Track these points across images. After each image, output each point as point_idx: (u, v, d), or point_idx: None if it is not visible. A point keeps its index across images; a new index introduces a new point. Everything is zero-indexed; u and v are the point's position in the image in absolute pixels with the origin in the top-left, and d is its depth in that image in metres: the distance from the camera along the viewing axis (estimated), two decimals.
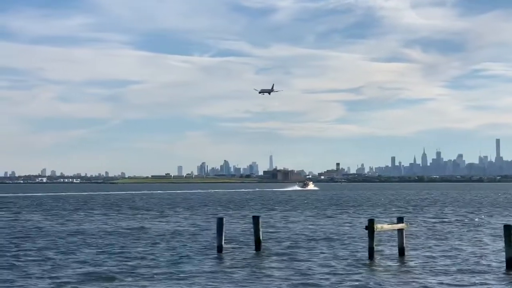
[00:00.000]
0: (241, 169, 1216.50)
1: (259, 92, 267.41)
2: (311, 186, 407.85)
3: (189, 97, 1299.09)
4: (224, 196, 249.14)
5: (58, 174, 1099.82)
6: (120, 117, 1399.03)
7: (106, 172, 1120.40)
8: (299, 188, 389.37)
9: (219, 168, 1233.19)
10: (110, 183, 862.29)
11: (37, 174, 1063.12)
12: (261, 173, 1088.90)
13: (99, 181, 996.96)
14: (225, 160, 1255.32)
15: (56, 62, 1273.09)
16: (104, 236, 74.49)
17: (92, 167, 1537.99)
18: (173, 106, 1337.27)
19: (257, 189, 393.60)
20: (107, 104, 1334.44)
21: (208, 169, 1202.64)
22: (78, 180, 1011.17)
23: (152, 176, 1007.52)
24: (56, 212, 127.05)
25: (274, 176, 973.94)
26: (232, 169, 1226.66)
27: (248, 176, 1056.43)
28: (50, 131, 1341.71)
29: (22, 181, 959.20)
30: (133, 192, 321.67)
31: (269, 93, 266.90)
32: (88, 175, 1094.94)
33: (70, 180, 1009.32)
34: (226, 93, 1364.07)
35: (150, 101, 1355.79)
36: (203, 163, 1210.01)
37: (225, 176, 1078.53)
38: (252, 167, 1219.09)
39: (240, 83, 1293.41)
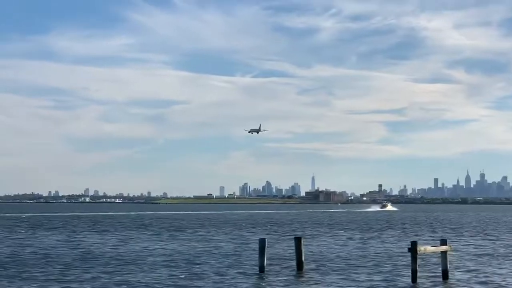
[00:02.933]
0: (283, 190, 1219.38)
1: (249, 132, 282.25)
2: (389, 207, 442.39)
3: (232, 117, 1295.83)
4: (294, 217, 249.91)
5: (100, 193, 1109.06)
6: (163, 137, 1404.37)
7: (149, 192, 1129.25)
8: (379, 209, 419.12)
9: (261, 189, 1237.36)
10: (152, 203, 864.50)
11: (80, 193, 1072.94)
12: (303, 193, 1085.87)
13: (141, 201, 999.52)
14: (267, 181, 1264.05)
15: (99, 82, 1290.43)
16: (156, 255, 75.05)
17: (134, 186, 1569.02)
18: (216, 126, 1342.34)
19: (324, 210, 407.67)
20: (150, 124, 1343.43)
21: (250, 190, 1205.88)
22: (120, 200, 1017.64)
23: (194, 196, 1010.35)
24: (116, 232, 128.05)
25: (316, 197, 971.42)
26: (274, 190, 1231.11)
27: (290, 197, 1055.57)
28: (94, 151, 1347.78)
29: (65, 201, 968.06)
30: (177, 212, 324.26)
31: (257, 132, 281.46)
32: (131, 195, 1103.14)
33: (113, 200, 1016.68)
34: (269, 113, 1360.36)
35: (192, 121, 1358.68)
36: (245, 183, 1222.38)
37: (267, 196, 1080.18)
38: (294, 187, 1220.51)
39: (283, 103, 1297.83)
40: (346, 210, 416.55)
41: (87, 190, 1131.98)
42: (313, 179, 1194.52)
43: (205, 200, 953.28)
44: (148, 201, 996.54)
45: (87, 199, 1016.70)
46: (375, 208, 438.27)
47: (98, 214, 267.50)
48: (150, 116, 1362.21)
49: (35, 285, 50.05)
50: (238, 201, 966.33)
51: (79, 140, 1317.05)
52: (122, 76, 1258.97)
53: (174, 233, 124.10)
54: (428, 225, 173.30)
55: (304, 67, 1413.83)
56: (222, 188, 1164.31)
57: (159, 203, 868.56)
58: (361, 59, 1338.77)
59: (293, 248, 60.73)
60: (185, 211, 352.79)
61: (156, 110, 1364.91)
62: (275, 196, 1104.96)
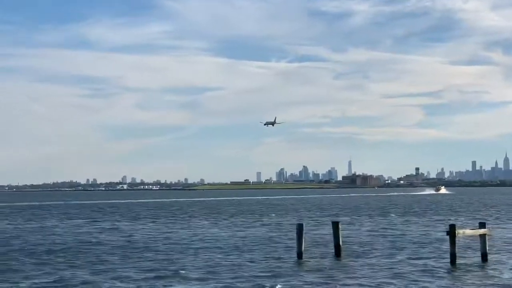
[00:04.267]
0: (320, 175, 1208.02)
1: (264, 124, 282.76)
2: (443, 190, 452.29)
3: (267, 103, 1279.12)
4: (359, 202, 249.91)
5: (138, 181, 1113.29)
6: (198, 123, 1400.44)
7: (186, 179, 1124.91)
8: (434, 192, 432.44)
9: (298, 174, 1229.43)
10: (189, 189, 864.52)
11: (118, 181, 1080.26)
12: (340, 178, 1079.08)
13: (178, 187, 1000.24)
14: (303, 166, 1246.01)
15: (134, 70, 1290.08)
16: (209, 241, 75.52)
17: (171, 173, 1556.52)
18: (251, 112, 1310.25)
19: (380, 194, 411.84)
20: (184, 111, 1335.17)
21: (287, 175, 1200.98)
22: (158, 187, 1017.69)
23: (231, 182, 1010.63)
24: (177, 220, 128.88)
25: (353, 181, 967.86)
26: (310, 175, 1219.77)
27: (327, 181, 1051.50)
28: (129, 138, 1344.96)
29: (103, 188, 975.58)
30: (220, 198, 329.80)
31: (273, 124, 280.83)
32: (168, 181, 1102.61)
33: (150, 187, 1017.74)
34: (304, 98, 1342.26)
35: (227, 107, 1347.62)
36: (282, 169, 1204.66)
37: (304, 181, 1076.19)
38: (331, 172, 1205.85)
39: (318, 88, 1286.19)
40: (400, 194, 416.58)
41: (124, 177, 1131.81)
42: (349, 163, 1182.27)
43: (242, 186, 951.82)
44: (185, 187, 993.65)
45: (125, 187, 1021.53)
46: (430, 191, 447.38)
47: (165, 201, 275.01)
48: (184, 103, 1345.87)
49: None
50: (275, 186, 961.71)
51: (115, 128, 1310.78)
52: (155, 63, 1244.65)
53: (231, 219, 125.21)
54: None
55: (339, 51, 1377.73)
56: (258, 174, 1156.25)
57: (196, 189, 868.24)
58: (396, 42, 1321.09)
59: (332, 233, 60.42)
60: (225, 196, 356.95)
61: (190, 97, 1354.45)
62: (311, 181, 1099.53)
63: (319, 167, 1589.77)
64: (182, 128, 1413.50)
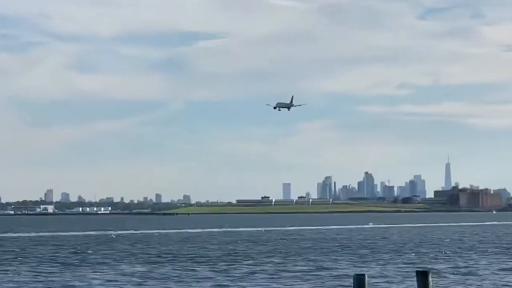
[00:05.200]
0: (395, 189, 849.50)
1: (274, 107, 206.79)
2: None
3: (300, 61, 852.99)
4: None
5: (73, 199, 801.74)
6: (182, 97, 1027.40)
7: (158, 196, 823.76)
8: None
9: (356, 187, 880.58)
10: (163, 214, 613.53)
11: (39, 199, 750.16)
12: (430, 195, 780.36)
13: (144, 211, 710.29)
14: (365, 173, 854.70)
15: (71, 3, 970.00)
16: None
17: (132, 187, 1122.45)
18: (273, 78, 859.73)
19: None
20: (160, 76, 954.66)
21: (337, 189, 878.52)
22: (109, 210, 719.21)
23: (237, 201, 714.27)
24: None
25: (454, 200, 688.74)
26: (378, 188, 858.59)
27: (406, 200, 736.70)
28: (60, 123, 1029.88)
29: (12, 212, 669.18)
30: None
31: (288, 108, 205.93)
32: (127, 200, 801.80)
33: (95, 209, 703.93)
34: (365, 52, 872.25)
35: (231, 70, 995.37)
36: (327, 177, 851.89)
37: (367, 200, 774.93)
38: (413, 184, 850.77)
39: (391, 34, 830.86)
40: None
41: (49, 193, 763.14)
42: (447, 168, 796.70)
43: (258, 209, 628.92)
44: (155, 211, 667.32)
45: (50, 209, 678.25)
46: None
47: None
48: (160, 61, 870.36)
49: None
50: (316, 208, 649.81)
51: (35, 104, 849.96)
52: None
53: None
54: None
55: None
56: (286, 187, 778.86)
57: (177, 213, 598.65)
58: None
59: None
60: (228, 225, 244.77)
61: (170, 50, 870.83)
62: (380, 199, 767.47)
63: (392, 174, 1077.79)
64: (156, 105, 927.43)
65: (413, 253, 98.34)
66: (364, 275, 36.87)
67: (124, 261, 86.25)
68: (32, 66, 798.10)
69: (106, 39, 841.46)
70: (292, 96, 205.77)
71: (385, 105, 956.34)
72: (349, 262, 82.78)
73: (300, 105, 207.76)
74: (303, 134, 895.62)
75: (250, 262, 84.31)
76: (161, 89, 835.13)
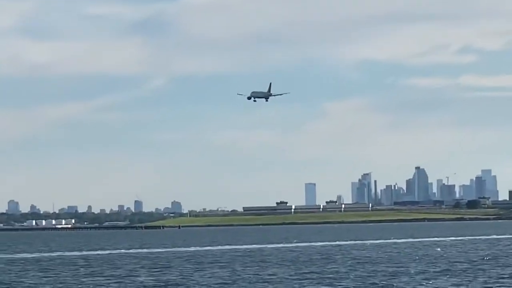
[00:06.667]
0: (457, 189, 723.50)
1: (248, 98, 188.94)
2: None
3: (335, 19, 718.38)
4: None
5: (24, 209, 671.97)
6: (167, 71, 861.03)
7: (137, 203, 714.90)
8: None
9: (404, 187, 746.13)
10: (144, 227, 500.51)
11: None
12: (502, 195, 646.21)
13: (119, 223, 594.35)
14: (417, 168, 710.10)
15: None
16: None
17: (101, 191, 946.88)
18: (293, 43, 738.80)
19: None
20: (135, 41, 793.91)
21: (378, 190, 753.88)
22: (72, 223, 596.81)
23: (244, 208, 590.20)
24: None
25: None
26: (434, 188, 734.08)
27: (473, 204, 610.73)
28: (9, 104, 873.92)
29: None
30: None
31: (266, 98, 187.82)
32: (96, 210, 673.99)
33: (53, 223, 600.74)
34: (419, 7, 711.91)
35: (235, 33, 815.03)
36: (366, 174, 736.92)
37: (418, 204, 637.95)
38: (480, 182, 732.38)
39: None
40: None
41: None
42: None
43: (272, 218, 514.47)
44: (135, 223, 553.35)
45: None
46: None
47: None
48: (135, 22, 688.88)
49: None
50: (350, 216, 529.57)
51: None
52: None
53: None
54: None
55: None
56: (309, 189, 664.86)
57: (163, 227, 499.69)
58: None
59: None
60: (231, 243, 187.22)
61: (148, 8, 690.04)
62: (436, 202, 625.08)
63: (452, 170, 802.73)
64: (130, 81, 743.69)
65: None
66: None
67: None
68: None
69: None
70: (270, 84, 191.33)
71: (441, 77, 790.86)
72: None
73: (280, 94, 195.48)
74: (331, 118, 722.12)
75: None
76: (137, 60, 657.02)
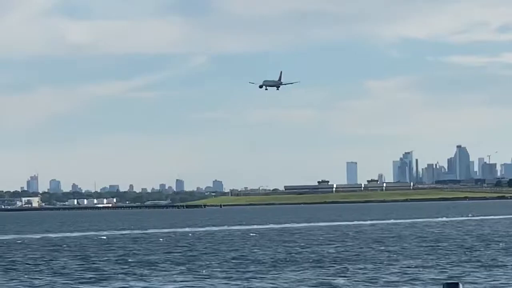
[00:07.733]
0: (499, 167, 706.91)
1: (260, 87, 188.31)
2: None
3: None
4: None
5: (66, 188, 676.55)
6: (210, 50, 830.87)
7: (179, 182, 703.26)
8: None
9: (445, 166, 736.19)
10: (185, 206, 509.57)
11: (19, 189, 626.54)
12: None
13: (162, 203, 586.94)
14: (458, 147, 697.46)
15: None
16: None
17: (143, 171, 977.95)
18: (336, 19, 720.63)
19: None
20: (171, 19, 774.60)
21: (419, 168, 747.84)
22: (113, 203, 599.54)
23: (286, 187, 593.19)
24: None
25: None
26: (476, 167, 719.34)
27: None
28: (48, 85, 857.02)
29: None
30: None
31: (277, 87, 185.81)
32: (137, 189, 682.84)
33: (95, 202, 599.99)
34: None
35: (271, 11, 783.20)
36: (407, 153, 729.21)
37: (460, 182, 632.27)
38: None
39: None
40: None
41: (32, 180, 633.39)
42: None
43: (313, 197, 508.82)
44: (176, 202, 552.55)
45: (35, 203, 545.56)
46: None
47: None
48: (174, 1, 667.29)
49: None
50: (392, 195, 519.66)
51: (7, 65, 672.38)
52: None
53: None
54: None
55: None
56: (351, 168, 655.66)
57: (205, 205, 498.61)
58: None
59: None
60: (272, 221, 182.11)
61: None
62: (478, 181, 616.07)
63: (494, 148, 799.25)
64: (171, 60, 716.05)
65: None
66: (458, 284, 34.64)
67: None
68: (2, 13, 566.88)
69: None
70: (281, 72, 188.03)
71: (482, 55, 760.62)
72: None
73: (291, 83, 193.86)
74: (373, 96, 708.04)
75: None
76: (177, 40, 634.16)
